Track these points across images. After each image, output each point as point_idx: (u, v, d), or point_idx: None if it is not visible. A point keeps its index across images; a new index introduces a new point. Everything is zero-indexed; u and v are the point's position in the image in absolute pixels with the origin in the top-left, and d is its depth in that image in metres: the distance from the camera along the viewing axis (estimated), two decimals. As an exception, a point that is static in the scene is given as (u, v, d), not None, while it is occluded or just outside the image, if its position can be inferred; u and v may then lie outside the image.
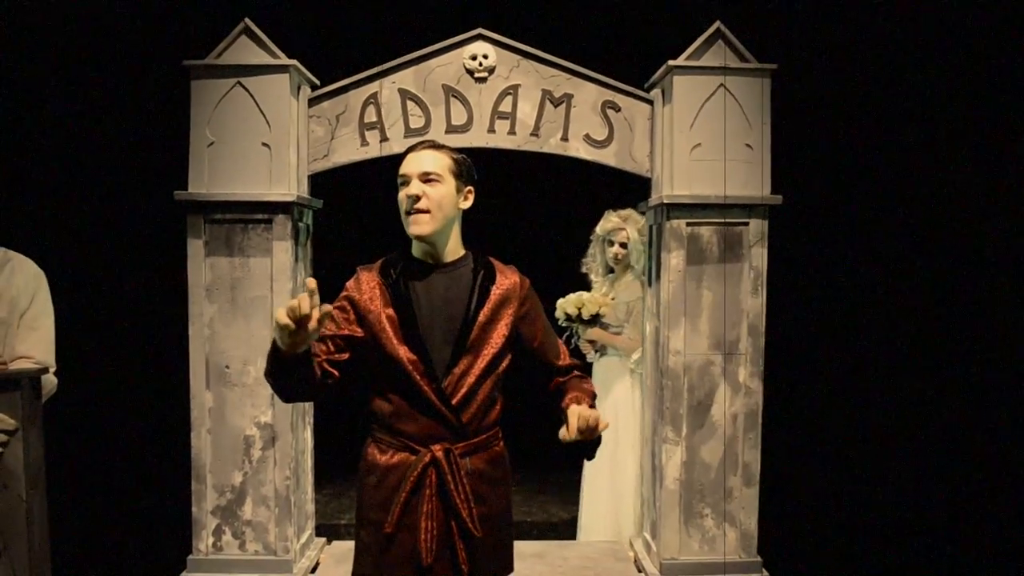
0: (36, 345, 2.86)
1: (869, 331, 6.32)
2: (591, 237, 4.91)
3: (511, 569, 2.47)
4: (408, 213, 2.29)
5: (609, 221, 4.74)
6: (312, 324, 1.92)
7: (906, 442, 6.22)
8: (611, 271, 4.89)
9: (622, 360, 4.75)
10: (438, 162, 2.31)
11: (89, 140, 5.37)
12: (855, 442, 6.29)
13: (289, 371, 2.07)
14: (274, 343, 2.02)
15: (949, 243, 6.04)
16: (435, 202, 2.27)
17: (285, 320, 1.90)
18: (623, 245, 4.70)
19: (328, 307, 1.95)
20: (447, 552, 2.28)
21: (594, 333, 4.74)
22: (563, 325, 4.69)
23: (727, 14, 4.16)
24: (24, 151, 4.75)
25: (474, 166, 2.45)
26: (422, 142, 2.40)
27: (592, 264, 4.90)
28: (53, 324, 2.97)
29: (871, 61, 5.95)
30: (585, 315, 4.62)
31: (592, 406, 2.32)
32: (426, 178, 2.29)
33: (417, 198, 2.27)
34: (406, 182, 2.31)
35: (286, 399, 2.35)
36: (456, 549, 2.29)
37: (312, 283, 1.94)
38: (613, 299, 4.76)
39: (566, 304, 4.68)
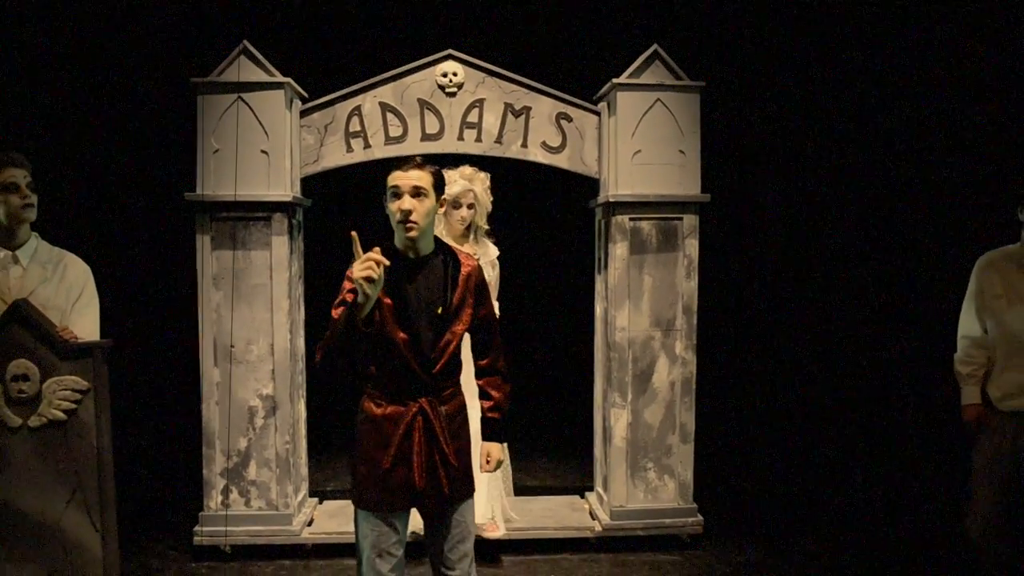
0: (84, 328, 3.41)
1: (786, 307, 7.33)
2: None
3: (474, 490, 3.09)
4: (402, 222, 2.82)
5: (456, 183, 4.45)
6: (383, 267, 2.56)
7: (819, 402, 7.21)
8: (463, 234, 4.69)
9: None
10: (424, 179, 2.84)
11: (112, 152, 5.97)
12: (776, 403, 7.22)
13: (356, 340, 2.66)
14: (348, 319, 2.62)
15: (854, 229, 7.11)
16: (422, 213, 2.82)
17: (378, 271, 2.52)
18: (470, 207, 4.55)
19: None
20: (433, 479, 2.90)
21: None
22: None
23: (664, 37, 4.80)
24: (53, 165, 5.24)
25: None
26: (412, 160, 2.90)
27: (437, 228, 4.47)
28: (98, 311, 3.54)
29: (788, 79, 6.84)
30: None
31: (497, 412, 3.14)
32: (416, 192, 2.82)
33: (410, 211, 2.81)
34: (399, 194, 2.83)
35: (333, 374, 2.80)
36: (439, 476, 2.90)
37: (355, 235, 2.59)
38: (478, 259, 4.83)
39: None
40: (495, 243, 4.76)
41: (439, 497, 2.91)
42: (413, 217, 2.79)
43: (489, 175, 4.66)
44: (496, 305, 4.71)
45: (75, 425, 3.04)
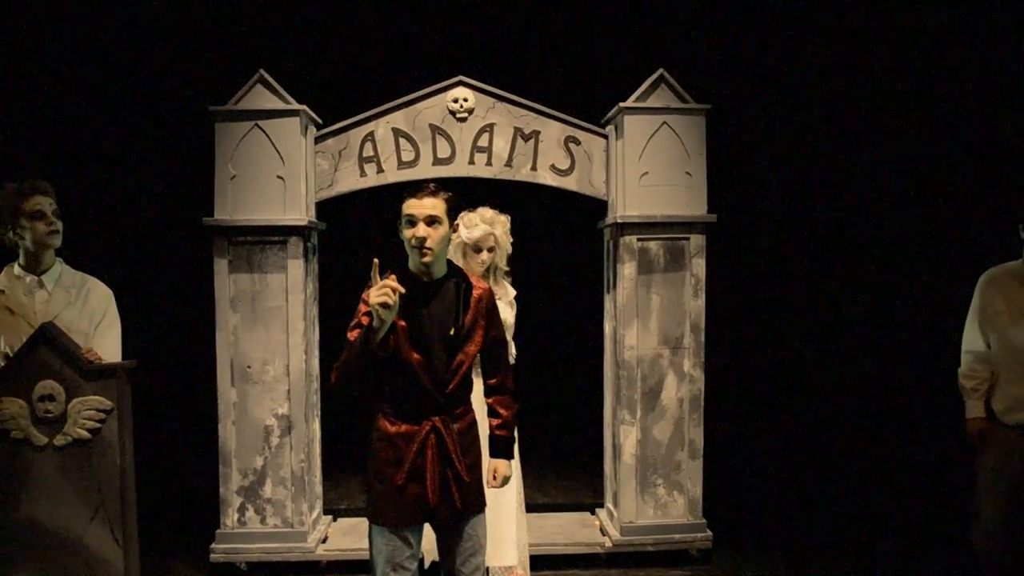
0: (107, 350, 3.51)
1: (792, 325, 7.48)
2: (452, 241, 4.30)
3: (485, 504, 3.14)
4: (417, 248, 2.92)
5: (477, 228, 4.31)
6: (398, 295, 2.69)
7: (827, 418, 7.33)
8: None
9: None
10: (438, 207, 2.93)
11: (133, 179, 6.21)
12: (784, 419, 7.33)
13: (371, 362, 2.78)
14: (365, 342, 2.75)
15: (858, 247, 7.32)
16: (436, 241, 2.93)
17: (393, 298, 2.66)
18: (491, 250, 4.36)
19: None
20: (446, 495, 2.97)
21: None
22: None
23: (670, 61, 4.91)
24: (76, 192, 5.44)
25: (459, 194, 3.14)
26: (427, 188, 2.99)
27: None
28: (120, 333, 3.65)
29: (792, 100, 7.02)
30: None
31: (505, 430, 3.25)
32: (430, 221, 2.92)
33: (424, 239, 2.91)
34: (413, 222, 2.91)
35: (349, 394, 2.93)
36: (452, 492, 2.97)
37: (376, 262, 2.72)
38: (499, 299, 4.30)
39: None
40: (512, 283, 4.65)
41: (452, 512, 3.00)
42: (428, 244, 2.90)
43: (509, 217, 4.51)
44: (512, 345, 4.54)
45: (99, 444, 3.14)
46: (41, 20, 6.09)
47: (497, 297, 4.20)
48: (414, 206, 2.92)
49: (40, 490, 3.14)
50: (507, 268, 4.56)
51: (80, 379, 3.13)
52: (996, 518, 3.80)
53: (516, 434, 3.37)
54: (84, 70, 6.26)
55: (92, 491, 3.15)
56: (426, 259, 2.92)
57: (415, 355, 2.92)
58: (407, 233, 2.93)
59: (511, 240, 4.49)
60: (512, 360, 4.46)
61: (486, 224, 4.31)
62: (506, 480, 3.29)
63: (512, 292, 4.58)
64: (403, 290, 2.71)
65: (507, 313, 4.41)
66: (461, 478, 2.99)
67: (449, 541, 3.08)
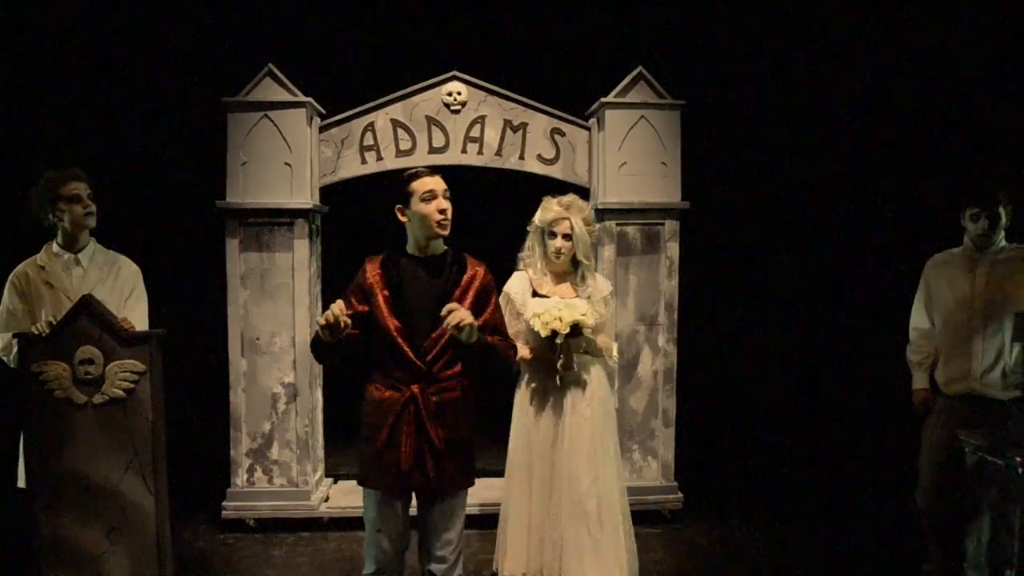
0: (136, 320, 3.87)
1: (758, 303, 8.02)
2: (528, 228, 4.13)
3: (472, 483, 3.20)
4: (439, 221, 3.05)
5: (550, 211, 3.99)
6: (343, 324, 2.86)
7: (790, 390, 7.89)
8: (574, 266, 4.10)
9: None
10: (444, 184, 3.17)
11: (154, 165, 6.63)
12: (750, 390, 7.86)
13: (330, 350, 2.99)
14: (319, 337, 2.90)
15: (813, 236, 7.92)
16: (451, 211, 3.11)
17: (324, 322, 2.83)
18: (566, 237, 3.95)
19: (347, 319, 2.87)
20: (420, 463, 3.05)
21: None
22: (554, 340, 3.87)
23: (648, 58, 5.27)
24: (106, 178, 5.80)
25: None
26: (430, 168, 3.15)
27: (531, 258, 4.10)
28: (146, 307, 4.04)
29: (761, 98, 7.47)
30: (563, 328, 3.79)
31: (493, 345, 3.13)
32: (447, 195, 3.09)
33: (446, 209, 3.06)
34: (434, 196, 3.04)
35: (327, 367, 3.21)
36: (425, 460, 3.05)
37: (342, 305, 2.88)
38: (588, 298, 4.01)
39: (547, 321, 3.81)
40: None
41: (425, 480, 3.08)
42: (448, 214, 3.10)
43: (589, 204, 4.18)
44: (615, 347, 4.21)
45: (133, 402, 3.52)
46: (72, 26, 6.54)
47: (586, 295, 3.99)
48: (433, 182, 3.08)
49: (81, 444, 3.51)
50: (591, 262, 4.13)
51: (116, 345, 3.51)
52: (936, 477, 4.19)
53: (494, 357, 3.17)
54: (110, 70, 6.73)
55: (127, 444, 3.53)
56: (447, 231, 3.10)
57: (395, 321, 3.06)
58: (429, 207, 3.05)
59: (595, 230, 4.13)
60: (613, 362, 4.25)
61: (561, 208, 3.98)
62: (463, 324, 2.91)
63: (607, 288, 4.16)
64: (348, 322, 2.86)
65: (601, 310, 4.02)
66: (435, 448, 3.06)
67: (425, 514, 3.19)
